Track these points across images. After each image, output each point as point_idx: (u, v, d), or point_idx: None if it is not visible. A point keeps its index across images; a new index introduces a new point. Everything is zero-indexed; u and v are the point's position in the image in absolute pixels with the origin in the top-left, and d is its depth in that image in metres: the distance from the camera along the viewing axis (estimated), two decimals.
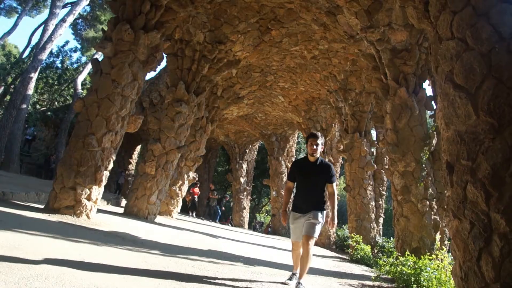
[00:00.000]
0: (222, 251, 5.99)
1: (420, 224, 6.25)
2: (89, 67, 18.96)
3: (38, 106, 20.03)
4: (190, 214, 16.09)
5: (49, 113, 19.48)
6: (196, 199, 16.78)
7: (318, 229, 3.66)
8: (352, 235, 9.52)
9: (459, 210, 2.82)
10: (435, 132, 7.01)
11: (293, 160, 5.94)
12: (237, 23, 8.92)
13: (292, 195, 4.13)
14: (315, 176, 3.79)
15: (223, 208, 19.45)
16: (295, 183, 3.96)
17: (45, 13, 22.55)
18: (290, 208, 4.06)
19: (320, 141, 3.80)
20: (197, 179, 12.59)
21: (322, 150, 3.92)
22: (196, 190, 16.48)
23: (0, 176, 9.94)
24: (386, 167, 13.04)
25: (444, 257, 5.61)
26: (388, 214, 19.28)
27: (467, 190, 2.75)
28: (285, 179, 17.38)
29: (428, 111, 7.23)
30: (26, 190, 7.50)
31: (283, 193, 5.01)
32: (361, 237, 8.85)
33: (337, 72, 10.67)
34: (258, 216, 28.97)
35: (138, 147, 19.68)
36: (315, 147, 3.75)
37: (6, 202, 5.92)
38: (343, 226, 16.43)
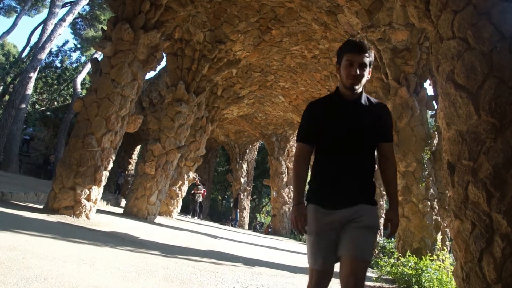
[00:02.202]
0: (222, 252, 5.97)
1: (421, 224, 6.23)
2: (88, 66, 18.92)
3: (37, 106, 20.01)
4: (201, 216, 15.70)
5: (48, 113, 19.46)
6: (202, 200, 16.50)
7: (375, 243, 2.23)
8: None
9: (460, 210, 2.80)
10: (436, 132, 6.99)
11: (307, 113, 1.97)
12: (237, 22, 8.90)
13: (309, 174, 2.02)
14: (360, 128, 1.83)
15: (238, 210, 18.25)
16: (315, 147, 1.91)
17: (44, 12, 22.53)
18: (308, 195, 1.96)
19: (369, 59, 1.86)
20: (197, 179, 12.54)
21: (368, 78, 1.89)
22: (202, 191, 16.31)
23: None
24: None
25: (445, 257, 5.60)
26: None
27: (468, 191, 2.73)
28: (286, 179, 17.33)
29: (429, 111, 7.22)
30: (25, 190, 7.48)
31: (293, 173, 1.99)
32: None
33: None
34: (258, 217, 28.96)
35: (138, 147, 19.66)
36: (358, 71, 1.82)
37: (5, 202, 5.91)
38: None
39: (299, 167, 1.88)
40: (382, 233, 12.53)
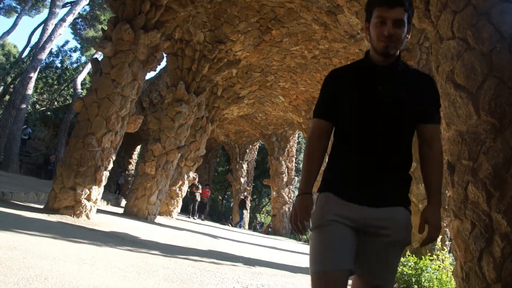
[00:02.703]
0: (222, 252, 5.98)
1: None
2: (88, 67, 18.93)
3: (37, 106, 20.02)
4: (203, 217, 15.54)
5: (48, 113, 19.47)
6: (206, 200, 16.35)
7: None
8: None
9: (460, 210, 2.81)
10: None
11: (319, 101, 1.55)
12: (237, 22, 8.91)
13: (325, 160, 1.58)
14: (395, 102, 1.41)
15: (246, 211, 17.86)
16: (335, 128, 1.52)
17: (45, 12, 22.55)
18: (321, 186, 1.49)
19: (407, 13, 1.41)
20: (197, 179, 12.53)
21: (407, 40, 1.48)
22: (200, 190, 16.25)
23: (0, 176, 9.93)
24: None
25: (445, 257, 5.60)
26: None
27: (468, 190, 2.74)
28: (286, 179, 17.31)
29: None
30: (26, 190, 7.49)
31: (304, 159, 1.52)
32: None
33: None
34: (258, 217, 28.96)
35: (138, 147, 19.67)
36: (393, 30, 1.38)
37: (6, 202, 5.91)
38: None
39: (311, 147, 1.46)
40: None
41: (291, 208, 17.20)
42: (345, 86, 1.44)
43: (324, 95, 1.50)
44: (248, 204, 19.81)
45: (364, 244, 1.33)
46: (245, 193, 18.77)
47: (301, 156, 25.00)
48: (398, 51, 1.42)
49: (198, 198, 14.85)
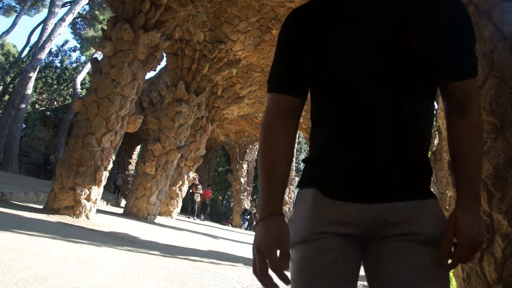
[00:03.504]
0: (222, 252, 5.97)
1: None
2: (88, 66, 18.92)
3: (37, 106, 20.01)
4: (202, 217, 15.44)
5: (48, 112, 19.46)
6: (208, 201, 16.20)
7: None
8: None
9: None
10: (436, 132, 6.99)
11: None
12: (238, 22, 8.90)
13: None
14: (404, 40, 0.81)
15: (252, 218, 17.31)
16: (314, 96, 0.92)
17: (44, 12, 22.54)
18: (302, 178, 0.94)
19: None
20: (197, 179, 12.53)
21: None
22: (201, 191, 16.16)
23: None
24: None
25: None
26: None
27: None
28: None
29: None
30: (25, 190, 7.47)
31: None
32: None
33: None
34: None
35: (138, 147, 19.66)
36: None
37: (5, 202, 5.90)
38: None
39: (271, 140, 0.89)
40: None
41: (291, 209, 17.01)
42: (321, 27, 0.86)
43: (283, 52, 0.90)
44: (248, 204, 19.81)
45: (386, 244, 0.82)
46: (252, 208, 18.70)
47: (301, 156, 24.99)
48: None
49: (198, 198, 14.70)
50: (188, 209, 14.86)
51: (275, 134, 0.89)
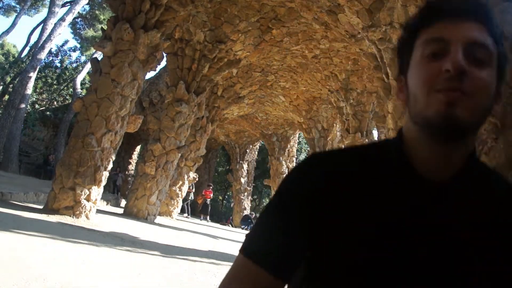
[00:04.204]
0: (222, 252, 5.96)
1: None
2: (88, 66, 18.92)
3: (37, 106, 20.00)
4: (202, 217, 15.37)
5: (48, 112, 19.45)
6: (208, 202, 16.12)
7: None
8: None
9: None
10: None
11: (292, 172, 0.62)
12: (238, 22, 8.89)
13: None
14: (459, 257, 0.54)
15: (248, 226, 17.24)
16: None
17: (44, 12, 22.53)
18: None
19: (492, 40, 0.54)
20: (197, 179, 12.52)
21: (500, 101, 0.56)
22: (209, 192, 16.11)
23: None
24: None
25: None
26: None
27: None
28: None
29: None
30: (25, 190, 7.46)
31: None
32: None
33: (338, 71, 10.64)
34: None
35: (138, 147, 19.65)
36: (463, 60, 0.52)
37: (5, 202, 5.89)
38: None
39: None
40: None
41: None
42: (343, 205, 0.58)
43: (283, 215, 0.59)
44: (248, 204, 19.80)
45: None
46: (251, 213, 18.74)
47: (302, 156, 25.01)
48: (476, 135, 0.60)
49: (191, 197, 14.85)
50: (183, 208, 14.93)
51: None
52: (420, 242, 0.55)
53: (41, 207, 6.10)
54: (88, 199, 5.94)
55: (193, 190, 14.99)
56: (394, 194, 0.58)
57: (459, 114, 0.52)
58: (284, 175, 0.63)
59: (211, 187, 17.24)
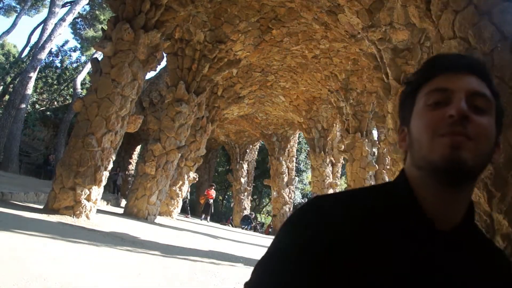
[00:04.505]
0: (222, 252, 5.97)
1: None
2: (88, 66, 18.92)
3: (37, 106, 20.01)
4: (203, 217, 15.31)
5: (48, 113, 19.46)
6: (211, 202, 16.08)
7: None
8: None
9: None
10: None
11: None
12: (238, 22, 8.90)
13: None
14: None
15: (254, 223, 17.18)
16: None
17: (44, 12, 22.53)
18: None
19: (489, 92, 0.61)
20: (197, 179, 12.53)
21: (499, 153, 0.62)
22: (211, 192, 16.07)
23: None
24: (388, 167, 13.02)
25: None
26: None
27: None
28: (286, 179, 17.28)
29: None
30: (25, 190, 7.47)
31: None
32: None
33: (338, 71, 10.65)
34: (258, 217, 28.97)
35: (138, 147, 19.66)
36: (466, 107, 0.57)
37: (5, 202, 5.90)
38: None
39: None
40: None
41: (291, 209, 17.11)
42: (354, 256, 0.56)
43: (295, 272, 0.55)
44: (248, 204, 19.81)
45: None
46: (251, 213, 18.75)
47: (302, 156, 25.02)
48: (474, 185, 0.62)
49: (188, 196, 14.99)
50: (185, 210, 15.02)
51: None
52: None
53: (41, 207, 6.11)
54: (88, 199, 5.95)
55: (188, 189, 15.05)
56: (409, 243, 0.57)
57: (464, 157, 0.55)
58: (287, 224, 0.60)
59: (213, 187, 17.22)
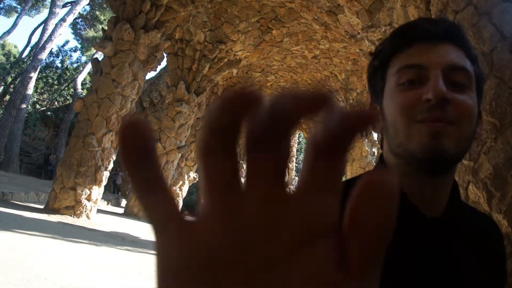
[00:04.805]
0: None
1: None
2: (89, 66, 18.94)
3: (38, 106, 20.03)
4: None
5: (49, 113, 19.48)
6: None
7: None
8: None
9: None
10: None
11: None
12: (238, 22, 8.91)
13: None
14: None
15: None
16: None
17: (45, 12, 22.55)
18: None
19: (469, 63, 0.53)
20: (197, 179, 12.54)
21: (480, 132, 0.54)
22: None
23: (0, 176, 9.92)
24: None
25: None
26: None
27: (469, 191, 2.73)
28: (286, 179, 17.24)
29: None
30: (26, 190, 7.48)
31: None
32: None
33: (338, 71, 10.66)
34: None
35: None
36: (444, 86, 0.49)
37: (6, 202, 5.91)
38: None
39: None
40: None
41: None
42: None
43: None
44: None
45: None
46: None
47: (302, 156, 24.94)
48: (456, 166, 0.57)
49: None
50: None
51: None
52: (435, 280, 0.51)
53: (42, 207, 6.12)
54: (88, 199, 5.96)
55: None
56: (400, 234, 0.45)
57: (446, 145, 0.48)
58: None
59: None
